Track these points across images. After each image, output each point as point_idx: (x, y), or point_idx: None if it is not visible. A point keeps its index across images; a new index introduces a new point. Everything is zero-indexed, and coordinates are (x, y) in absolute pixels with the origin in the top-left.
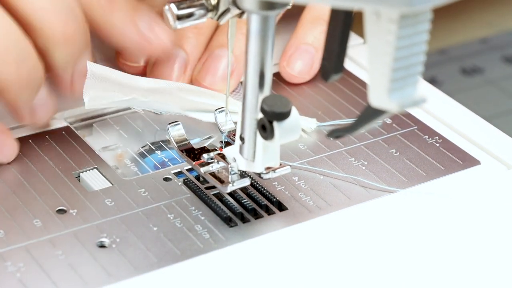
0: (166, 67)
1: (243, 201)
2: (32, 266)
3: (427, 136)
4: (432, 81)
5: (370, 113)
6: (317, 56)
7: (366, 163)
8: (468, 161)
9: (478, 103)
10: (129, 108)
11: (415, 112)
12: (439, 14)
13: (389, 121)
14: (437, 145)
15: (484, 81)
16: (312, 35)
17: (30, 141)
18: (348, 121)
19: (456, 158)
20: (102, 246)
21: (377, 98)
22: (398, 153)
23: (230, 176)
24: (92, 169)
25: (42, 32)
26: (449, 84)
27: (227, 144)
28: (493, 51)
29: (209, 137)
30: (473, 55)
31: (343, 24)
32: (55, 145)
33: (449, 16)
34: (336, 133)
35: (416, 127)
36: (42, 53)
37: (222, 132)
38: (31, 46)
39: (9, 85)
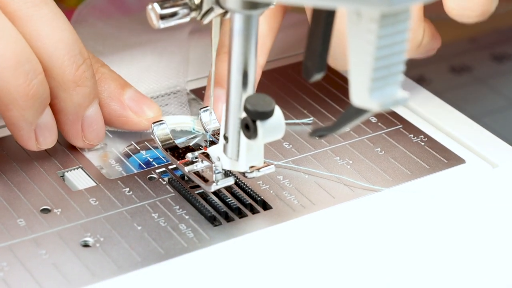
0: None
1: (227, 200)
2: (15, 266)
3: (412, 135)
4: (421, 79)
5: (352, 112)
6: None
7: (351, 162)
8: (453, 159)
9: (466, 101)
10: None
11: (400, 110)
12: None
13: (374, 119)
14: (422, 143)
15: (473, 80)
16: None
17: (15, 140)
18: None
19: (441, 157)
20: (86, 245)
21: (358, 97)
22: (383, 152)
23: (214, 175)
24: (77, 168)
25: (53, 72)
26: (437, 83)
27: (212, 143)
28: (482, 49)
29: (194, 137)
30: (462, 54)
31: (325, 23)
32: None
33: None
34: (319, 132)
35: (401, 126)
36: (53, 96)
37: (206, 131)
38: (40, 65)
39: (16, 99)
